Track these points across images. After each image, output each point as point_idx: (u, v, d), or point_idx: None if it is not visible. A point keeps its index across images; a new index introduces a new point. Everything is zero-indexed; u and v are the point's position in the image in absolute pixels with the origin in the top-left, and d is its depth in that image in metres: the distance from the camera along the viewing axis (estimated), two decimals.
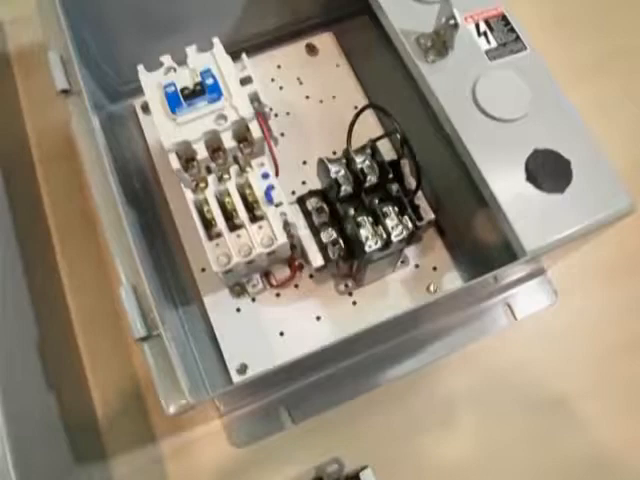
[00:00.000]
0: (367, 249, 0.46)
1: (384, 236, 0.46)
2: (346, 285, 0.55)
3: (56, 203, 0.61)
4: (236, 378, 0.52)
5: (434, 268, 0.56)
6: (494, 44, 0.46)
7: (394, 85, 0.55)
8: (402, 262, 0.55)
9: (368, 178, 0.48)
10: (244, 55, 0.50)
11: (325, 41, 0.64)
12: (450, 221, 0.56)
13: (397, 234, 0.46)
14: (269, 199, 0.47)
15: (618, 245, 0.57)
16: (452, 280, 0.55)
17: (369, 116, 0.60)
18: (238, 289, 0.54)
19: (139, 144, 0.61)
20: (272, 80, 0.62)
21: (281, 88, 0.62)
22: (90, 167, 0.41)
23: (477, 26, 0.47)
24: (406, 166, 0.50)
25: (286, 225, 0.48)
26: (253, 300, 0.55)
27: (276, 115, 0.61)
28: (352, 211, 0.48)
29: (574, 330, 0.56)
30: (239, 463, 0.52)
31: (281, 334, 0.53)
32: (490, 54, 0.46)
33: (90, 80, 0.57)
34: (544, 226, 0.41)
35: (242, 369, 0.52)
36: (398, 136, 0.50)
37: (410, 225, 0.46)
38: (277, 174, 0.51)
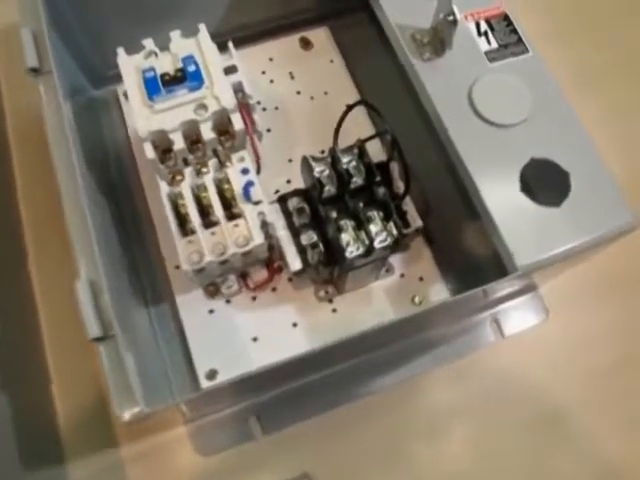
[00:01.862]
0: (348, 255, 0.43)
1: (366, 242, 0.43)
2: (326, 291, 0.52)
3: (31, 192, 0.58)
4: (205, 383, 0.49)
5: (420, 278, 0.53)
6: (495, 45, 0.44)
7: (388, 84, 0.53)
8: (387, 270, 0.53)
9: (353, 180, 0.45)
10: (230, 43, 0.48)
11: (320, 36, 0.61)
12: (440, 230, 0.53)
13: (381, 240, 0.43)
14: (247, 196, 0.44)
15: (612, 262, 0.54)
16: (439, 292, 0.53)
17: (360, 115, 0.57)
18: (212, 289, 0.51)
19: (120, 132, 0.59)
20: (263, 73, 0.60)
21: (272, 81, 0.59)
22: (55, 150, 0.39)
23: (477, 25, 0.44)
24: (395, 169, 0.48)
25: (264, 225, 0.45)
26: (228, 302, 0.52)
27: (264, 109, 0.58)
28: (335, 214, 0.45)
29: (564, 350, 0.54)
30: (204, 472, 0.49)
31: (255, 339, 0.51)
32: (490, 55, 0.43)
33: (72, 62, 0.55)
34: (538, 241, 0.39)
35: (211, 374, 0.50)
36: (389, 137, 0.47)
37: (395, 232, 0.44)
38: (259, 171, 0.49)
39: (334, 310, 0.52)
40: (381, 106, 0.56)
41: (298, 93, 0.59)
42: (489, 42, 0.44)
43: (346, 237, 0.43)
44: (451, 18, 0.39)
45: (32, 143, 0.59)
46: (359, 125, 0.56)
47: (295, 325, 0.51)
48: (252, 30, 0.60)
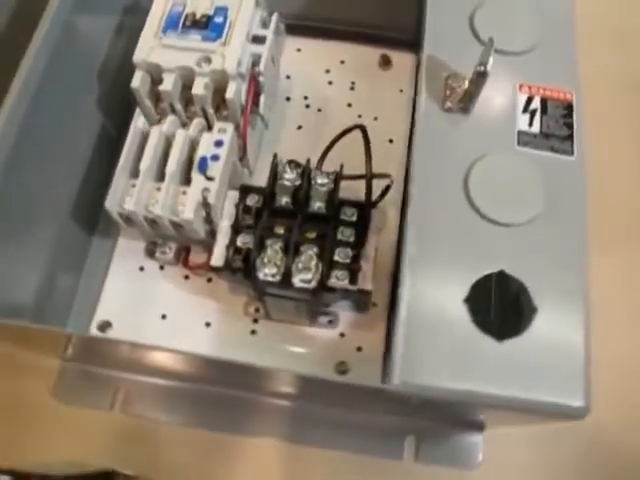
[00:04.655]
0: (259, 275, 0.37)
1: (282, 271, 0.37)
2: (257, 310, 0.46)
3: None
4: (93, 330, 0.46)
5: (359, 349, 0.46)
6: (536, 129, 0.35)
7: None
8: (330, 322, 0.46)
9: (314, 205, 0.39)
10: (275, 15, 0.44)
11: (404, 61, 0.55)
12: None
13: (302, 280, 0.37)
14: (201, 167, 0.40)
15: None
16: (368, 374, 0.45)
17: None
18: (151, 248, 0.48)
19: None
20: (327, 71, 0.55)
21: (330, 83, 0.55)
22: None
23: (529, 100, 0.36)
24: (374, 218, 0.41)
25: (207, 206, 0.41)
26: (161, 268, 0.48)
27: (307, 106, 0.54)
28: (279, 229, 0.39)
29: None
30: (50, 414, 0.46)
31: (163, 317, 0.47)
32: (523, 137, 0.35)
33: None
34: (446, 366, 0.30)
35: (104, 326, 0.46)
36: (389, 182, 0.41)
37: (318, 278, 0.37)
38: (243, 156, 0.45)
39: (253, 331, 0.46)
40: None
41: (349, 106, 0.54)
42: (531, 123, 0.35)
43: (270, 256, 0.38)
44: (481, 69, 0.32)
45: None
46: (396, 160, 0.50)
47: (208, 325, 0.46)
48: (339, 26, 0.56)
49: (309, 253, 0.38)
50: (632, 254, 0.45)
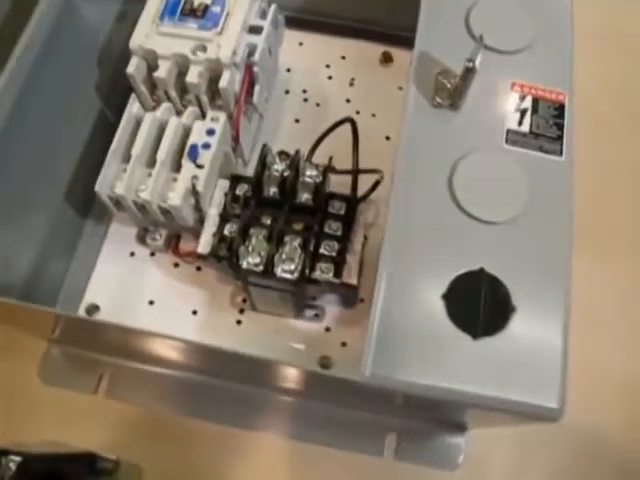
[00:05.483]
0: (242, 264, 0.37)
1: (265, 261, 0.37)
2: (244, 300, 0.46)
3: None
4: (81, 312, 0.47)
5: (343, 344, 0.45)
6: (525, 128, 0.35)
7: None
8: (316, 315, 0.46)
9: (301, 196, 0.39)
10: (273, 6, 0.44)
11: (405, 58, 0.54)
12: None
13: (285, 270, 0.37)
14: (191, 154, 0.41)
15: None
16: (351, 369, 0.44)
17: None
18: (143, 235, 0.48)
19: None
20: (327, 66, 0.55)
21: (329, 78, 0.55)
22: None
23: (521, 99, 0.36)
24: (362, 213, 0.41)
25: (195, 193, 0.41)
26: (152, 255, 0.49)
27: (306, 100, 0.54)
28: (266, 219, 0.39)
29: None
30: (35, 395, 0.47)
31: (151, 303, 0.47)
32: (512, 136, 0.35)
33: None
34: (421, 361, 0.30)
35: (92, 309, 0.47)
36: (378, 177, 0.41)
37: (300, 269, 0.37)
38: (236, 144, 0.45)
39: (239, 321, 0.46)
40: None
41: (347, 101, 0.54)
42: (521, 122, 0.35)
43: (254, 246, 0.38)
44: (470, 65, 0.32)
45: None
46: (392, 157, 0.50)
47: (195, 313, 0.47)
48: (342, 21, 0.55)
49: (294, 244, 0.38)
50: (622, 255, 0.45)
